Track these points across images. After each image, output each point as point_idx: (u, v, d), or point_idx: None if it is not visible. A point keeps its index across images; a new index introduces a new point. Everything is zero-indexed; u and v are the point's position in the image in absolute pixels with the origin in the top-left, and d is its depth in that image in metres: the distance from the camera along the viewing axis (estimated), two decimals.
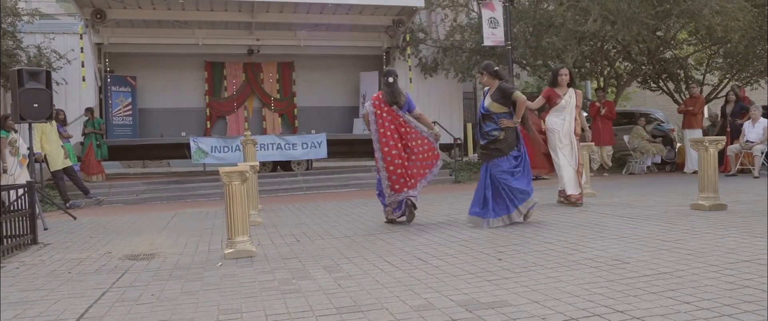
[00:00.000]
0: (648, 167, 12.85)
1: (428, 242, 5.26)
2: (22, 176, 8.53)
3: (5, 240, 5.67)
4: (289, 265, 4.60)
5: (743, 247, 4.36)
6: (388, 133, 6.28)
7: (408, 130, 6.33)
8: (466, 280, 3.80)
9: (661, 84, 15.25)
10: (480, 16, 13.09)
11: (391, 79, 6.39)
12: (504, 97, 6.04)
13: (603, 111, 12.56)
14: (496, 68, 6.22)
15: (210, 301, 3.57)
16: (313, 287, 3.81)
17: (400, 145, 6.31)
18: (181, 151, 12.90)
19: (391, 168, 6.27)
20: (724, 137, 6.69)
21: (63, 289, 4.10)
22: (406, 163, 6.31)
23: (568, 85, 7.46)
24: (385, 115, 6.31)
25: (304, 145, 12.85)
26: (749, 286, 3.29)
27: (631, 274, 3.71)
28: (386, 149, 6.28)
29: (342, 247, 5.29)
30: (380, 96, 6.40)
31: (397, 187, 6.30)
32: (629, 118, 15.34)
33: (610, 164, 12.75)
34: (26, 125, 8.04)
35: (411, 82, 14.61)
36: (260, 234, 6.25)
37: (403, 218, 6.47)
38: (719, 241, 4.63)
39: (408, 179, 6.30)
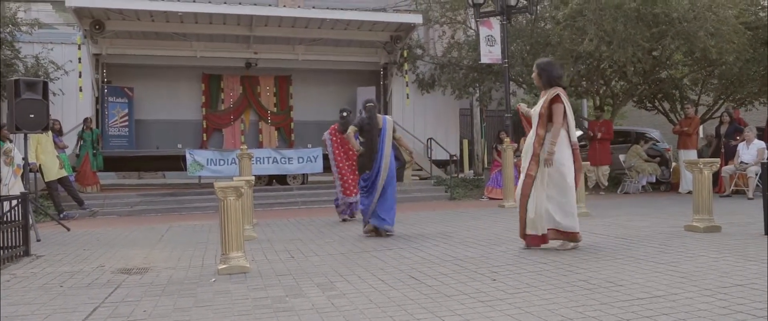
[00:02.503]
0: (643, 187, 12.88)
1: (422, 261, 5.25)
2: (16, 187, 8.50)
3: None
4: (283, 281, 4.58)
5: (737, 270, 4.37)
6: (340, 154, 8.70)
7: (354, 152, 7.86)
8: (459, 300, 3.79)
9: (657, 104, 15.33)
10: (477, 34, 13.17)
11: (344, 114, 8.49)
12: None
13: (599, 135, 12.63)
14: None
15: (203, 319, 3.55)
16: (307, 306, 3.80)
17: (347, 163, 8.66)
18: (177, 163, 12.88)
19: (344, 178, 8.65)
20: (719, 159, 6.70)
21: (54, 304, 4.07)
22: (353, 176, 8.47)
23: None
24: (336, 140, 8.67)
25: (300, 160, 12.84)
26: (742, 311, 3.29)
27: (624, 296, 3.71)
28: (340, 165, 8.71)
29: (336, 264, 5.27)
30: (336, 127, 8.60)
31: (347, 192, 8.63)
32: (625, 137, 15.41)
33: (606, 184, 12.78)
34: (21, 135, 8.01)
35: (408, 98, 14.66)
36: (254, 249, 6.23)
37: (347, 217, 8.70)
38: (713, 263, 4.63)
39: (355, 187, 8.46)
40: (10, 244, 5.93)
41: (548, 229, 5.46)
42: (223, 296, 4.14)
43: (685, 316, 3.24)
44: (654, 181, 13.13)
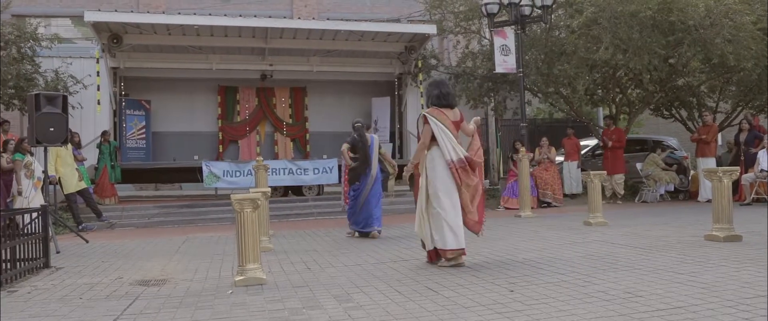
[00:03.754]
0: (661, 195, 12.76)
1: (439, 271, 5.23)
2: (37, 199, 8.62)
3: (18, 263, 5.71)
4: (300, 293, 4.58)
5: (759, 281, 4.30)
6: None
7: None
8: (477, 312, 3.77)
9: (674, 111, 15.21)
10: (492, 44, 13.16)
11: (358, 124, 8.24)
12: None
13: (609, 144, 12.57)
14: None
15: None
16: (324, 318, 3.79)
17: None
18: (194, 174, 12.96)
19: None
20: (738, 168, 6.62)
21: (74, 315, 4.11)
22: None
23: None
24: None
25: (316, 171, 12.88)
26: None
27: (644, 308, 3.67)
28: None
29: (353, 275, 5.27)
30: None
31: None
32: (642, 145, 15.30)
33: (622, 192, 12.67)
34: (41, 148, 8.13)
35: (422, 108, 14.63)
36: (271, 260, 6.24)
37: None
38: (734, 274, 4.57)
39: None
40: (30, 256, 6.00)
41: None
42: (240, 308, 4.15)
43: None
44: (672, 189, 13.01)
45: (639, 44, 11.16)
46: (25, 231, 6.12)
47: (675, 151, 14.43)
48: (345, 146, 8.09)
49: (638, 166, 13.15)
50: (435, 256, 5.56)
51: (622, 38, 11.21)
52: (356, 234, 8.14)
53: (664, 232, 7.34)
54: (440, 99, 5.52)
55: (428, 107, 5.60)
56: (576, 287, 4.34)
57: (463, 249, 5.43)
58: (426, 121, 5.47)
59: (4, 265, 5.43)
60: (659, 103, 14.63)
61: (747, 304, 3.66)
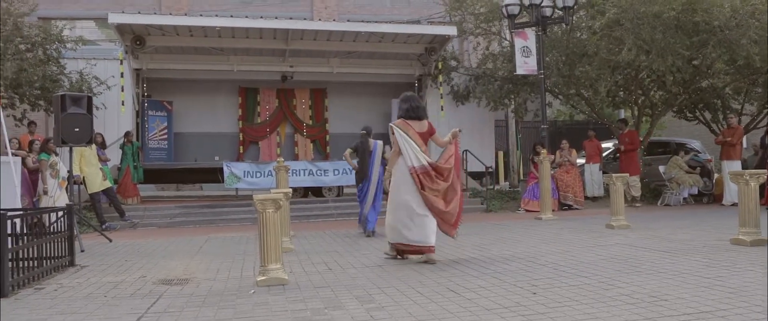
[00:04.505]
0: (684, 199, 12.58)
1: (461, 273, 5.21)
2: (62, 199, 8.74)
3: (45, 261, 5.79)
4: (321, 293, 4.60)
5: None
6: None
7: None
8: (499, 314, 3.75)
9: (698, 114, 15.00)
10: (512, 45, 13.10)
11: (364, 132, 8.90)
12: None
13: (622, 147, 12.49)
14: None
15: None
16: (346, 317, 3.80)
17: None
18: (215, 175, 13.06)
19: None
20: (765, 170, 6.51)
21: (99, 313, 4.16)
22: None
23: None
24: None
25: (336, 172, 12.91)
26: None
27: (670, 312, 3.63)
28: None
29: (374, 276, 5.27)
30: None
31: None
32: (664, 148, 15.11)
33: (635, 194, 12.49)
34: (67, 148, 8.24)
35: (442, 109, 14.62)
36: (292, 261, 6.27)
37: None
38: (761, 278, 4.49)
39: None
40: (56, 255, 6.08)
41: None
42: (263, 308, 4.17)
43: None
44: (696, 192, 12.82)
45: (662, 45, 11.02)
46: (51, 230, 6.20)
47: (699, 154, 14.23)
48: (347, 151, 8.93)
49: (661, 168, 12.98)
50: (400, 251, 6.10)
51: (644, 39, 11.08)
52: (368, 234, 8.51)
53: (688, 235, 7.23)
54: (408, 112, 6.07)
55: (398, 119, 6.13)
56: (599, 290, 4.30)
57: (431, 246, 5.83)
58: (392, 132, 6.04)
59: (30, 262, 5.52)
60: (682, 105, 14.43)
61: None
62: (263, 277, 5.02)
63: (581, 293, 4.23)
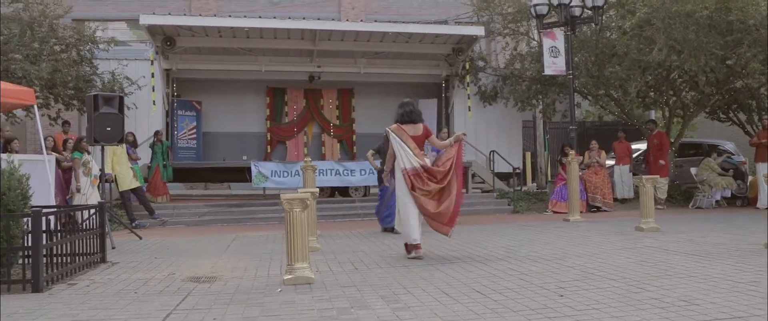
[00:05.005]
0: (717, 201, 12.33)
1: (487, 274, 5.18)
2: (94, 196, 8.92)
3: (77, 258, 5.92)
4: (347, 293, 4.61)
5: None
6: None
7: None
8: (526, 315, 3.73)
9: (731, 115, 14.70)
10: (540, 45, 12.98)
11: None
12: None
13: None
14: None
15: None
16: (372, 317, 3.81)
17: None
18: (242, 174, 13.18)
19: None
20: None
21: (130, 309, 4.23)
22: None
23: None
24: None
25: (362, 172, 12.92)
26: None
27: (701, 316, 3.56)
28: None
29: (399, 276, 5.27)
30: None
31: None
32: (696, 150, 14.83)
33: (664, 197, 12.26)
34: (98, 147, 8.41)
35: (469, 110, 14.55)
36: (318, 260, 6.30)
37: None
38: None
39: None
40: (88, 251, 6.21)
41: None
42: (289, 307, 4.20)
43: None
44: (729, 195, 12.55)
45: (695, 45, 10.82)
46: (84, 227, 6.33)
47: (732, 156, 13.92)
48: (369, 152, 9.45)
49: (692, 170, 12.74)
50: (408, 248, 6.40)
51: (676, 39, 10.89)
52: (382, 229, 9.02)
53: (720, 239, 7.09)
54: (403, 117, 6.39)
55: (393, 124, 6.46)
56: (628, 294, 4.24)
57: (417, 243, 6.20)
58: (388, 137, 6.54)
59: (64, 259, 5.65)
60: (715, 105, 14.14)
61: None
62: (290, 276, 5.06)
63: (609, 296, 4.18)
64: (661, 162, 12.31)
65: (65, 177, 9.71)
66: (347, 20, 17.81)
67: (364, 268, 5.76)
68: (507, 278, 4.98)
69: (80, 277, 5.62)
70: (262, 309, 4.15)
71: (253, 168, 12.61)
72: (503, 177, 14.37)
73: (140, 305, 4.36)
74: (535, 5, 12.17)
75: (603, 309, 3.83)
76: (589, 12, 12.24)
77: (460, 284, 4.79)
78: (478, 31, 13.44)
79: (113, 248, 7.52)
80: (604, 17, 12.78)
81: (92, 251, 6.30)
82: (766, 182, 11.05)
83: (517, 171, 14.22)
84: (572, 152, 10.78)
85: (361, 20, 16.56)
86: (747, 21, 10.65)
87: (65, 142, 10.47)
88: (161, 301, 4.50)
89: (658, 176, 9.63)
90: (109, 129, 8.06)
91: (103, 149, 8.34)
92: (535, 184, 16.88)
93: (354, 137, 16.16)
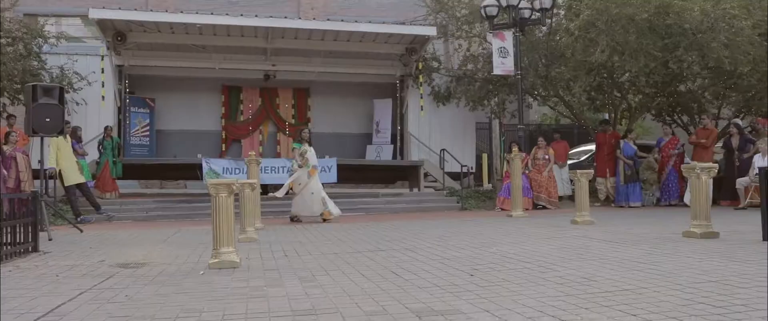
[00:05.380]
0: (658, 199, 12.70)
1: (409, 259, 5.32)
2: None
3: (5, 246, 5.87)
4: (268, 275, 4.70)
5: (718, 269, 4.35)
6: None
7: None
8: (430, 291, 3.86)
9: (676, 117, 15.16)
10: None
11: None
12: None
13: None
14: None
15: (176, 302, 3.69)
16: (280, 294, 3.91)
17: None
18: (195, 171, 13.14)
19: None
20: (716, 165, 6.62)
21: (45, 289, 4.26)
22: None
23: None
24: None
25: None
26: (704, 303, 3.31)
27: (593, 290, 3.75)
28: None
29: (325, 262, 5.37)
30: None
31: None
32: (648, 152, 15.24)
33: (613, 194, 12.62)
34: (39, 139, 8.33)
35: (422, 109, 14.74)
36: (252, 249, 6.37)
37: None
38: (696, 264, 4.62)
39: None
40: (18, 241, 6.16)
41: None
42: (205, 286, 4.27)
43: (644, 306, 3.27)
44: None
45: (635, 47, 11.18)
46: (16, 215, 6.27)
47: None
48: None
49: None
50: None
51: (618, 41, 11.24)
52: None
53: (646, 229, 7.36)
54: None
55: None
56: (536, 274, 4.41)
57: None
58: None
59: None
60: (660, 108, 14.58)
61: (695, 287, 3.72)
62: (215, 260, 5.12)
63: (517, 276, 4.34)
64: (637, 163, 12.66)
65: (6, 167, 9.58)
66: (300, 18, 17.88)
67: (293, 256, 5.85)
68: (427, 262, 5.12)
69: (5, 264, 5.58)
70: (177, 288, 4.21)
71: (204, 164, 12.57)
72: (456, 176, 14.58)
73: (56, 286, 4.38)
74: (485, 6, 12.44)
75: (505, 285, 3.99)
76: (538, 14, 12.56)
77: (380, 267, 4.92)
78: (430, 31, 13.66)
79: (50, 240, 7.43)
80: (553, 20, 13.11)
81: (22, 240, 6.25)
82: (685, 175, 11.43)
83: (470, 170, 14.43)
84: (515, 149, 11.01)
85: (314, 18, 16.61)
86: (683, 25, 11.04)
87: (8, 134, 10.32)
88: (80, 282, 4.52)
89: (592, 173, 9.85)
90: (48, 120, 8.01)
91: (42, 141, 8.25)
92: (491, 185, 17.13)
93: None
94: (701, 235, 6.21)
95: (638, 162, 12.82)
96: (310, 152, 10.12)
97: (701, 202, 6.34)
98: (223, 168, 12.69)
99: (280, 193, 10.25)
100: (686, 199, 11.70)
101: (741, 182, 10.77)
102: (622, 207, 12.14)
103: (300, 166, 10.00)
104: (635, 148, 12.86)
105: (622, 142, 12.74)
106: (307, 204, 9.94)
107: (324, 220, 9.81)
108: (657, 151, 12.87)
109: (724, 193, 11.45)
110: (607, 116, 17.91)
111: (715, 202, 10.34)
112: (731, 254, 5.06)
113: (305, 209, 9.98)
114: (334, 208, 10.05)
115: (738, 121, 12.42)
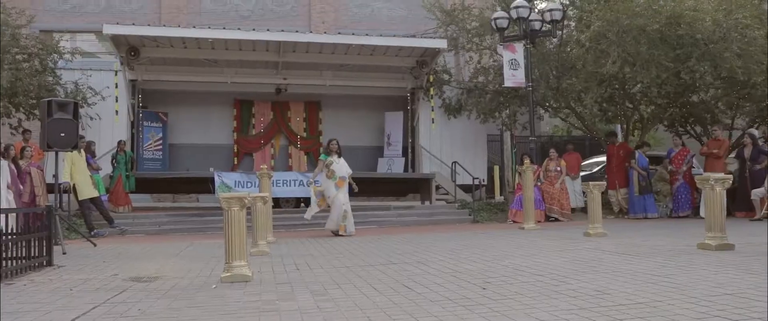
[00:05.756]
0: (671, 210, 12.59)
1: (421, 273, 5.31)
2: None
3: (20, 260, 5.92)
4: (280, 289, 4.70)
5: (733, 282, 4.30)
6: None
7: None
8: (442, 305, 3.85)
9: (689, 128, 15.06)
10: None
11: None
12: None
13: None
14: None
15: (189, 317, 3.70)
16: (293, 308, 3.91)
17: None
18: (207, 185, 13.20)
19: None
20: (731, 176, 6.56)
21: (58, 303, 4.28)
22: None
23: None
24: None
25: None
26: (720, 316, 3.27)
27: (607, 303, 3.71)
28: None
29: (337, 275, 5.37)
30: None
31: None
32: (658, 162, 15.14)
33: (626, 206, 12.55)
34: (53, 154, 8.42)
35: (433, 122, 14.75)
36: (263, 262, 6.38)
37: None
38: (710, 276, 4.57)
39: None
40: (33, 254, 6.21)
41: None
42: (218, 300, 4.28)
43: (658, 320, 3.23)
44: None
45: (646, 58, 11.15)
46: (31, 229, 6.33)
47: (692, 168, 14.21)
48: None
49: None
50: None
51: (629, 52, 11.22)
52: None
53: (659, 242, 7.29)
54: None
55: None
56: (549, 287, 4.38)
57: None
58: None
59: (7, 262, 5.65)
60: (673, 119, 14.50)
61: (709, 300, 3.68)
62: (227, 274, 5.14)
63: (530, 289, 4.32)
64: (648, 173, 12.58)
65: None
66: (311, 32, 17.98)
67: (305, 269, 5.85)
68: (439, 275, 5.10)
69: (20, 278, 5.63)
70: (189, 302, 4.22)
71: (216, 178, 12.64)
72: (468, 189, 14.55)
73: (70, 300, 4.41)
74: (495, 19, 12.47)
75: (518, 299, 3.97)
76: (548, 26, 12.56)
77: (392, 281, 4.91)
78: (441, 44, 13.69)
79: (64, 253, 7.51)
80: (563, 31, 13.11)
81: (37, 254, 6.30)
82: (699, 186, 11.34)
83: (482, 183, 14.39)
84: (527, 161, 10.98)
85: (325, 32, 16.71)
86: (695, 35, 11.00)
87: (23, 149, 10.43)
88: (94, 296, 4.55)
89: (604, 184, 9.80)
90: (63, 135, 8.11)
91: (56, 155, 8.34)
92: (502, 197, 17.07)
93: (321, 149, 16.20)
94: (716, 247, 6.15)
95: (651, 173, 12.75)
96: (337, 164, 9.91)
97: (716, 214, 6.28)
98: (235, 181, 12.75)
99: (308, 216, 10.08)
100: (702, 212, 11.62)
101: (756, 194, 10.65)
102: (638, 219, 12.04)
103: (328, 178, 9.84)
104: (647, 159, 12.79)
105: (636, 153, 12.66)
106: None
107: (336, 234, 9.74)
108: (669, 163, 12.75)
109: (739, 204, 11.34)
110: (619, 128, 17.86)
111: (730, 213, 10.24)
112: (747, 266, 5.00)
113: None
114: (350, 226, 9.82)
115: (753, 131, 12.29)
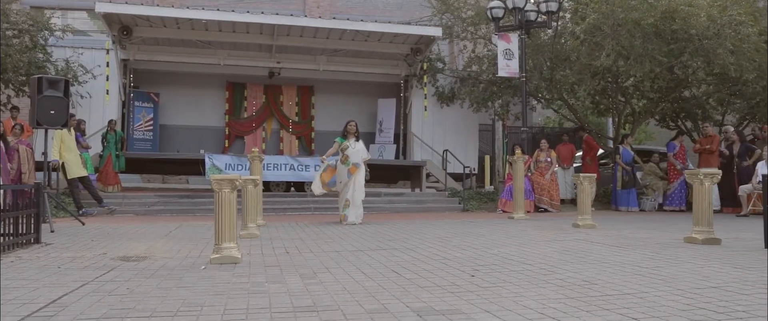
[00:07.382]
0: (660, 204, 12.69)
1: (411, 259, 5.32)
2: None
3: (6, 237, 5.89)
4: (269, 271, 4.71)
5: (719, 275, 4.35)
6: None
7: None
8: (430, 290, 3.87)
9: (680, 123, 15.14)
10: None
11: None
12: None
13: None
14: None
15: (177, 296, 3.70)
16: (281, 290, 3.91)
17: None
18: (198, 167, 13.16)
19: None
20: (720, 171, 6.60)
21: (46, 280, 4.27)
22: None
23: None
24: None
25: (317, 167, 12.93)
26: (705, 308, 3.30)
27: (594, 293, 3.74)
28: None
29: (327, 259, 5.38)
30: None
31: None
32: (648, 157, 15.23)
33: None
34: (42, 131, 8.35)
35: (426, 110, 14.75)
36: (253, 245, 6.37)
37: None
38: (697, 269, 4.61)
39: None
40: (20, 231, 6.18)
41: None
42: (207, 281, 4.28)
43: (645, 310, 3.26)
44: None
45: (640, 51, 11.18)
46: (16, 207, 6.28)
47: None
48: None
49: (638, 175, 13.11)
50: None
51: (623, 45, 11.23)
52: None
53: (648, 234, 7.35)
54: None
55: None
56: (538, 276, 4.41)
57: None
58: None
59: None
60: (664, 113, 14.57)
61: (695, 293, 3.71)
62: (217, 255, 5.13)
63: (518, 277, 4.34)
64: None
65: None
66: (306, 16, 17.89)
67: (295, 253, 5.85)
68: (428, 262, 5.12)
69: (7, 254, 5.60)
70: (178, 282, 4.22)
71: (207, 160, 12.60)
72: (458, 177, 14.58)
73: (59, 277, 4.39)
74: (491, 8, 12.43)
75: (506, 286, 3.99)
76: (544, 17, 12.54)
77: (381, 266, 4.92)
78: (435, 31, 13.66)
79: (52, 231, 7.48)
80: (559, 23, 13.09)
81: (25, 231, 6.27)
82: (689, 181, 11.47)
83: (472, 172, 14.43)
84: (518, 151, 11.01)
85: (320, 17, 16.62)
86: (689, 30, 11.03)
87: (14, 127, 10.35)
88: (81, 274, 4.53)
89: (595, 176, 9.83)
90: (53, 112, 8.04)
91: (46, 133, 8.28)
92: (492, 187, 17.13)
93: (312, 134, 16.25)
94: (703, 241, 6.21)
95: (636, 167, 12.82)
96: (353, 148, 9.22)
97: (703, 209, 6.33)
98: (226, 164, 12.72)
99: (315, 189, 9.49)
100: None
101: (744, 189, 10.75)
102: (619, 211, 12.16)
103: (342, 163, 9.22)
104: (633, 153, 12.85)
105: (620, 147, 12.73)
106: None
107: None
108: (673, 156, 12.77)
109: (725, 199, 11.46)
110: (610, 121, 17.94)
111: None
112: (732, 261, 5.05)
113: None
114: (352, 216, 9.17)
115: (730, 127, 12.43)
